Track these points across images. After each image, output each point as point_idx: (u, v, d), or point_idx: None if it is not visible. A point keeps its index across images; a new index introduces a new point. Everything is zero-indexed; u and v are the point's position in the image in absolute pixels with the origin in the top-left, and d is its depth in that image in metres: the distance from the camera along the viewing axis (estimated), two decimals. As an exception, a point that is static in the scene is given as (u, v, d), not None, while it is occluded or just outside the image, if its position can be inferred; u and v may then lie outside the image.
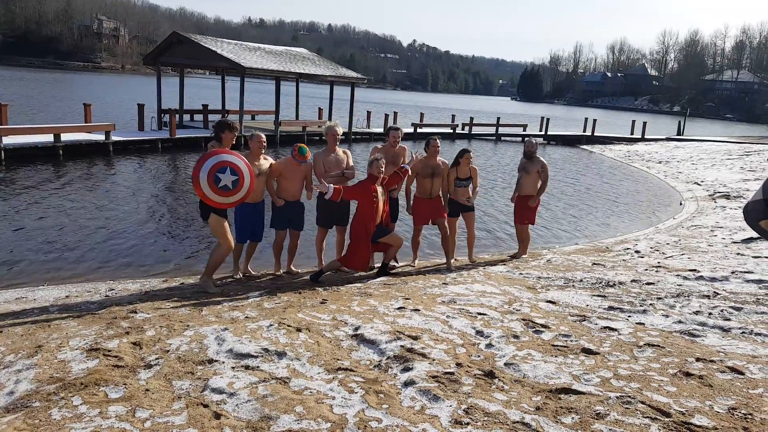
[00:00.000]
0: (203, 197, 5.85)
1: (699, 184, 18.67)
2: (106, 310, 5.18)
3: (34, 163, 15.23)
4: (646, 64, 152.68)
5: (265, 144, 6.70)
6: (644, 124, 37.43)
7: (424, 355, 3.85)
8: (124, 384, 3.29)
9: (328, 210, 7.06)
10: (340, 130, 7.16)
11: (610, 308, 5.32)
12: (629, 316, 5.04)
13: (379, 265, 7.16)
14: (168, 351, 3.86)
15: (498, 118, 37.63)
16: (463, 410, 3.09)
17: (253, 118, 29.01)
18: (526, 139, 8.80)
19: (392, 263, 7.39)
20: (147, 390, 3.23)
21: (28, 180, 13.24)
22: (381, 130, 28.83)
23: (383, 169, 6.64)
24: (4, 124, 16.73)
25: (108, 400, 3.11)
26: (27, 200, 11.27)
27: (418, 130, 30.37)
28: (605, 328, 4.63)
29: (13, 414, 2.95)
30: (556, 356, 3.95)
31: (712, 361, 3.88)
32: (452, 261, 7.68)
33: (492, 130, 35.60)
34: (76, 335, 4.17)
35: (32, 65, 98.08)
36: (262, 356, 3.79)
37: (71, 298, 6.02)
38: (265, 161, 6.72)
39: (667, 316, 5.05)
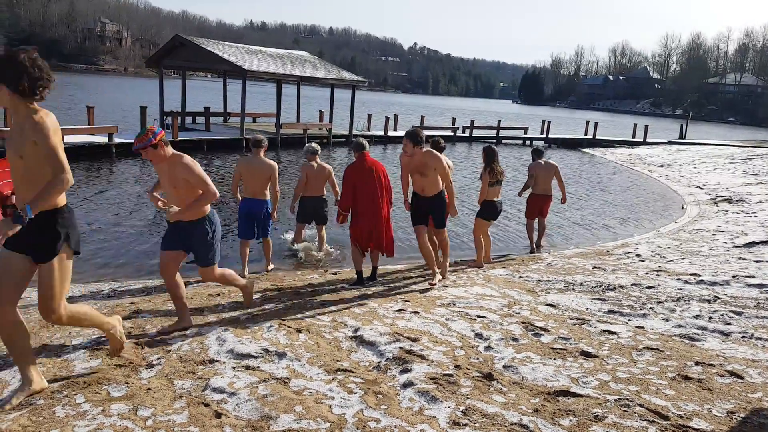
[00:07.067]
0: None
1: (701, 188, 18.66)
2: (108, 309, 5.21)
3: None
4: (648, 67, 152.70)
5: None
6: (646, 127, 37.41)
7: (422, 357, 3.88)
8: (127, 383, 3.32)
9: (305, 208, 8.07)
10: (318, 149, 8.05)
11: (610, 312, 5.34)
12: (629, 320, 5.06)
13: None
14: (169, 351, 3.89)
15: (499, 121, 37.64)
16: (462, 411, 3.12)
17: (254, 121, 29.03)
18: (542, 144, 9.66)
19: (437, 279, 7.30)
20: (149, 389, 3.26)
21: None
22: (381, 132, 28.99)
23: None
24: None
25: (110, 399, 3.14)
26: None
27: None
28: (605, 331, 4.65)
29: (18, 411, 2.99)
30: (554, 359, 3.97)
31: (711, 365, 3.90)
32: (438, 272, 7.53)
33: (493, 132, 35.56)
34: (79, 335, 4.20)
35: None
36: (263, 357, 3.81)
37: (74, 297, 6.04)
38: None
39: (667, 320, 5.06)
